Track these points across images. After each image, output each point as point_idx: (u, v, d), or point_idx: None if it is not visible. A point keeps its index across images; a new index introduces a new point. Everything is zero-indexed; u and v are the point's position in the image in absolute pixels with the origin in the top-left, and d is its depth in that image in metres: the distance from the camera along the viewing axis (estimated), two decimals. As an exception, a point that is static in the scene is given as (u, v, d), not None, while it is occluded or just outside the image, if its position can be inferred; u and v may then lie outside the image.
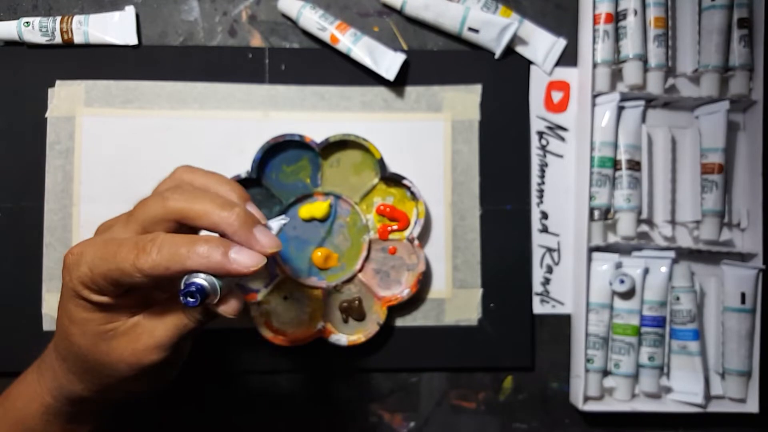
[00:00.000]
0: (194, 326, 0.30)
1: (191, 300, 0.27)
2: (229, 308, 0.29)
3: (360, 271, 0.45)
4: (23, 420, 0.33)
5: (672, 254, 0.45)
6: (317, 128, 0.45)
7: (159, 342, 0.29)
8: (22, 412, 0.33)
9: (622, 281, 0.44)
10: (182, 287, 0.27)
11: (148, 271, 0.27)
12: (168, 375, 0.34)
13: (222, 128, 0.45)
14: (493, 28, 0.45)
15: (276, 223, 0.31)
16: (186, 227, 0.30)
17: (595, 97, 0.45)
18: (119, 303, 0.29)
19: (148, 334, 0.29)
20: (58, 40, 0.44)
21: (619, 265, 0.45)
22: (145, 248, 0.27)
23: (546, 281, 0.47)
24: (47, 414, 0.33)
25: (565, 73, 0.48)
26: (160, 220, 0.29)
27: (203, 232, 0.30)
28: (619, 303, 0.45)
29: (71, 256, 0.29)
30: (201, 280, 0.27)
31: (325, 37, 0.45)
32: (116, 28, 0.45)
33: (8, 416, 0.33)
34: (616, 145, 0.45)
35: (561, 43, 0.47)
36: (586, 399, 0.45)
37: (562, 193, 0.47)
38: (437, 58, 0.47)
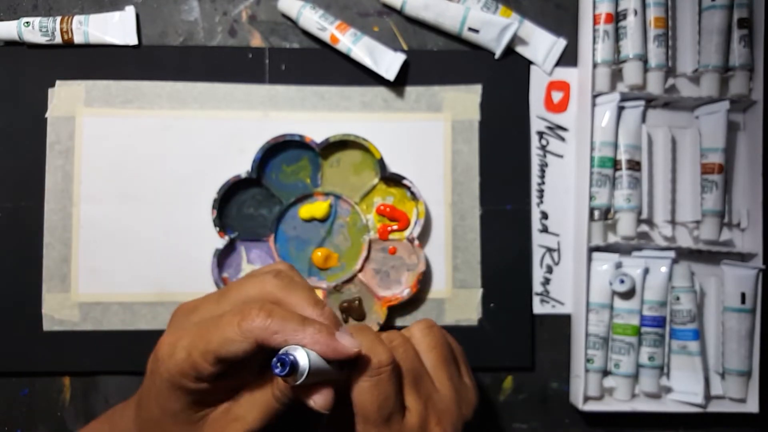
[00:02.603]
0: (280, 408, 0.29)
1: (279, 368, 0.26)
2: (320, 399, 0.28)
3: (360, 271, 0.45)
4: None
5: (672, 254, 0.45)
6: (317, 128, 0.45)
7: (248, 428, 0.29)
8: None
9: (622, 281, 0.44)
10: (279, 353, 0.27)
11: (255, 332, 0.27)
12: None
13: (222, 128, 0.45)
14: (493, 28, 0.45)
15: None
16: None
17: (595, 97, 0.45)
18: (214, 389, 0.29)
19: (238, 421, 0.29)
20: (58, 40, 0.44)
21: (619, 265, 0.45)
22: (251, 313, 0.27)
23: (546, 281, 0.47)
24: None
25: (565, 73, 0.48)
26: (256, 301, 0.29)
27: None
28: (619, 303, 0.45)
29: (165, 347, 0.28)
30: (298, 354, 0.27)
31: (325, 37, 0.45)
32: (116, 28, 0.45)
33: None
34: (616, 145, 0.45)
35: (561, 43, 0.47)
36: (586, 399, 0.45)
37: (562, 193, 0.47)
38: (437, 58, 0.47)
